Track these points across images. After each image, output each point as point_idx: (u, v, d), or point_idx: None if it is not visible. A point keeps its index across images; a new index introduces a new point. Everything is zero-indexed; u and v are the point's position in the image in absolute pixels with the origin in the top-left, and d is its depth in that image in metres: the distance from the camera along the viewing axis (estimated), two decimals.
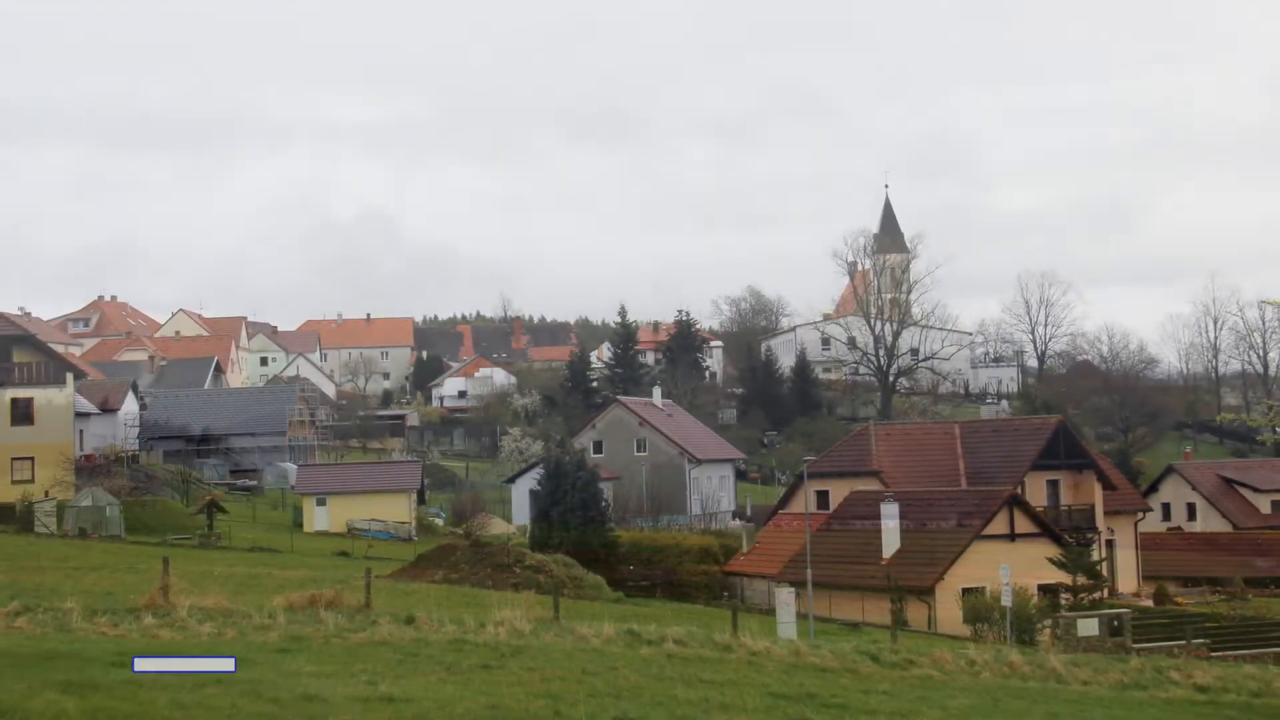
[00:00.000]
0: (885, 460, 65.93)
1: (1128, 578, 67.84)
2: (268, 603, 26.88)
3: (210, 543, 61.53)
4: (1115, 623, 48.64)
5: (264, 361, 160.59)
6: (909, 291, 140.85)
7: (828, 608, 52.56)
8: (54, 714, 13.65)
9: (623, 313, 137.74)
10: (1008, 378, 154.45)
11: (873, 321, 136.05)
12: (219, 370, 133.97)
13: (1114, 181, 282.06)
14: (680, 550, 65.78)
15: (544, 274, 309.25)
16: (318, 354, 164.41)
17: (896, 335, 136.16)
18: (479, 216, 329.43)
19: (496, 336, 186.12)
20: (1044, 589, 51.40)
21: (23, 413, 68.69)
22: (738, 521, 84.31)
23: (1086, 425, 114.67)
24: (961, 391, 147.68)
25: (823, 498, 64.98)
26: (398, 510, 78.92)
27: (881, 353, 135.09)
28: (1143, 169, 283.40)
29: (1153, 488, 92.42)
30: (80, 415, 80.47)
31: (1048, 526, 55.16)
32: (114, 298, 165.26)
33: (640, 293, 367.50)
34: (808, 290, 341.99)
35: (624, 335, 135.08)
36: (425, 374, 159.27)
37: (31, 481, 67.00)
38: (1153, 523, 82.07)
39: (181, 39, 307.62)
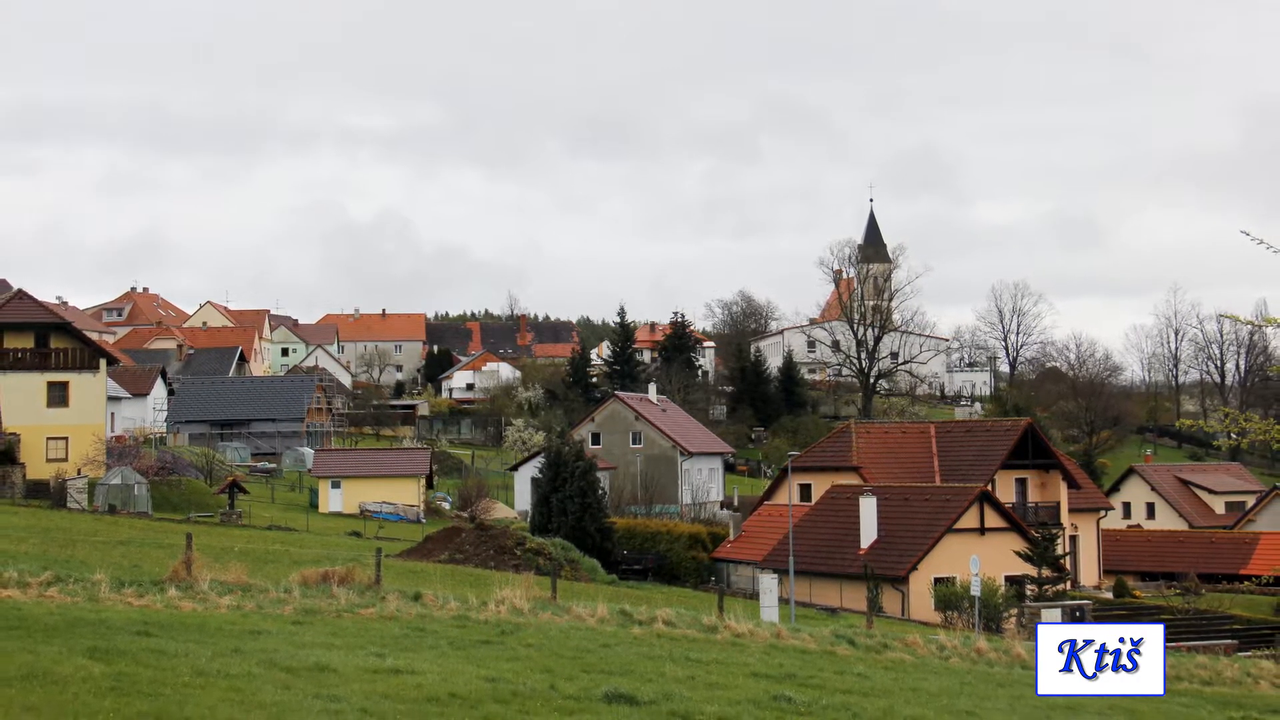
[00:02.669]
0: (865, 457, 65.87)
1: (1089, 571, 67.87)
2: (284, 578, 26.86)
3: (231, 521, 61.46)
4: (1077, 613, 48.64)
5: (285, 352, 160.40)
6: (890, 299, 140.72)
7: (808, 593, 52.62)
8: (81, 678, 13.65)
9: (622, 313, 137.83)
10: (981, 382, 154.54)
11: (855, 326, 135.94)
12: (243, 359, 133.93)
13: (1085, 199, 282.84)
14: (671, 537, 65.80)
15: (549, 275, 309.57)
16: (335, 346, 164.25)
17: (878, 340, 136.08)
18: (489, 219, 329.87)
19: (503, 333, 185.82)
20: (1011, 580, 51.46)
21: (58, 396, 68.61)
22: (725, 511, 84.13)
23: (1054, 428, 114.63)
24: (937, 394, 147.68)
25: (805, 490, 65.01)
26: (407, 494, 78.85)
27: (863, 356, 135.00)
28: (1113, 188, 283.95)
29: (1115, 487, 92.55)
30: (112, 399, 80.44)
31: (1015, 522, 55.15)
32: (145, 289, 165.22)
33: (638, 295, 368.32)
34: (795, 296, 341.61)
35: (623, 335, 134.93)
36: (436, 367, 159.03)
37: (65, 460, 66.91)
38: (1114, 520, 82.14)
39: (211, 49, 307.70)
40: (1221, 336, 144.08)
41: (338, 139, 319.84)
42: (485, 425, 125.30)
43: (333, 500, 78.13)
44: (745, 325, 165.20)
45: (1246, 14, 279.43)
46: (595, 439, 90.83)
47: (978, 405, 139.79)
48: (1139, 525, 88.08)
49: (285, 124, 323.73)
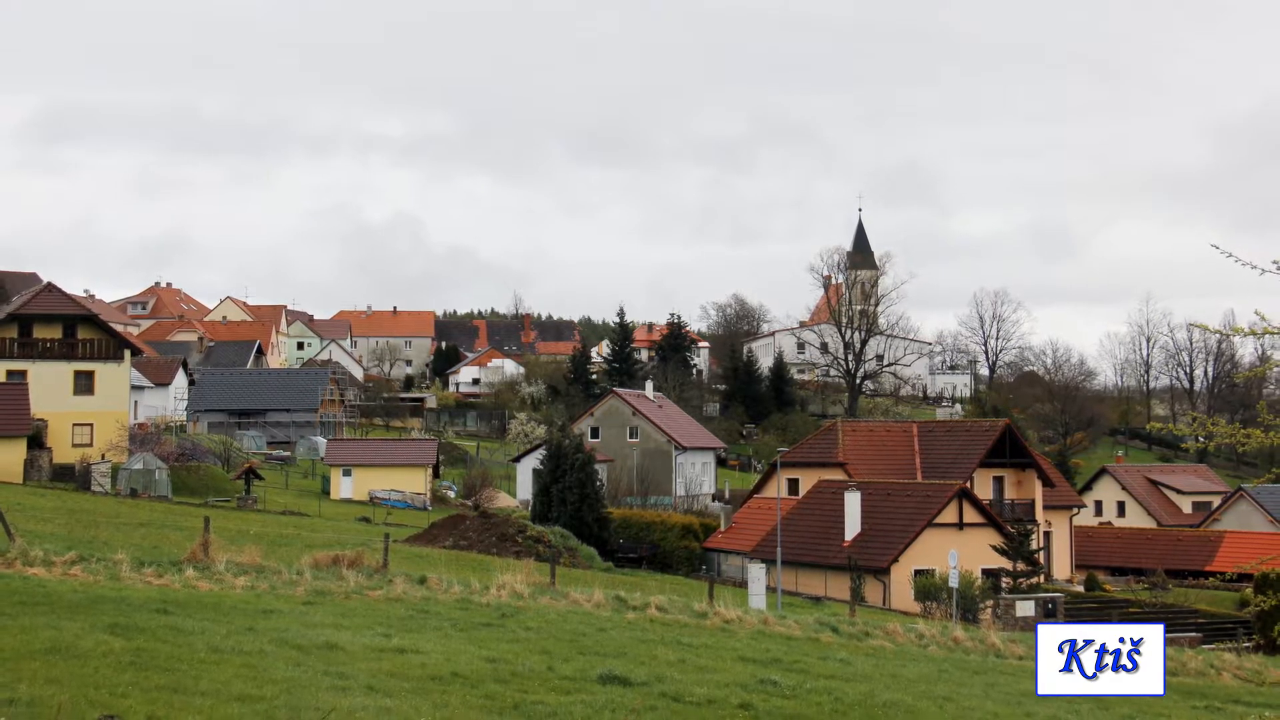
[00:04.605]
0: (850, 454, 65.83)
1: (1062, 566, 67.87)
2: (296, 561, 26.86)
3: (247, 506, 61.41)
4: (1049, 605, 48.71)
5: (300, 346, 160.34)
6: (876, 304, 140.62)
7: (794, 583, 52.59)
8: (102, 652, 13.65)
9: (621, 314, 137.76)
10: (961, 384, 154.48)
11: (843, 330, 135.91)
12: (260, 352, 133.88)
13: (1063, 212, 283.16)
14: (665, 527, 65.76)
15: (552, 276, 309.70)
16: (349, 341, 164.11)
17: (864, 343, 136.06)
18: (496, 223, 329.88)
19: (508, 331, 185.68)
20: (987, 573, 51.43)
21: (84, 384, 68.63)
22: (717, 504, 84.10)
23: (1030, 429, 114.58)
24: (920, 395, 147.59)
25: (794, 485, 64.96)
26: (415, 482, 78.80)
27: (850, 358, 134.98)
28: (1089, 202, 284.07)
29: (1087, 487, 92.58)
30: (136, 388, 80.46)
31: (992, 517, 55.14)
32: (169, 284, 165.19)
33: (637, 296, 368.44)
34: (787, 300, 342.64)
35: (621, 334, 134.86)
36: (444, 362, 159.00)
37: (90, 445, 66.90)
38: (1086, 518, 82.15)
39: (237, 57, 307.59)
40: (1191, 344, 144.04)
41: (355, 145, 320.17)
42: (490, 418, 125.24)
43: (344, 487, 78.11)
44: (738, 327, 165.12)
45: (1215, 40, 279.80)
46: (594, 433, 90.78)
47: (958, 406, 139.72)
48: (1110, 523, 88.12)
49: (306, 130, 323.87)
